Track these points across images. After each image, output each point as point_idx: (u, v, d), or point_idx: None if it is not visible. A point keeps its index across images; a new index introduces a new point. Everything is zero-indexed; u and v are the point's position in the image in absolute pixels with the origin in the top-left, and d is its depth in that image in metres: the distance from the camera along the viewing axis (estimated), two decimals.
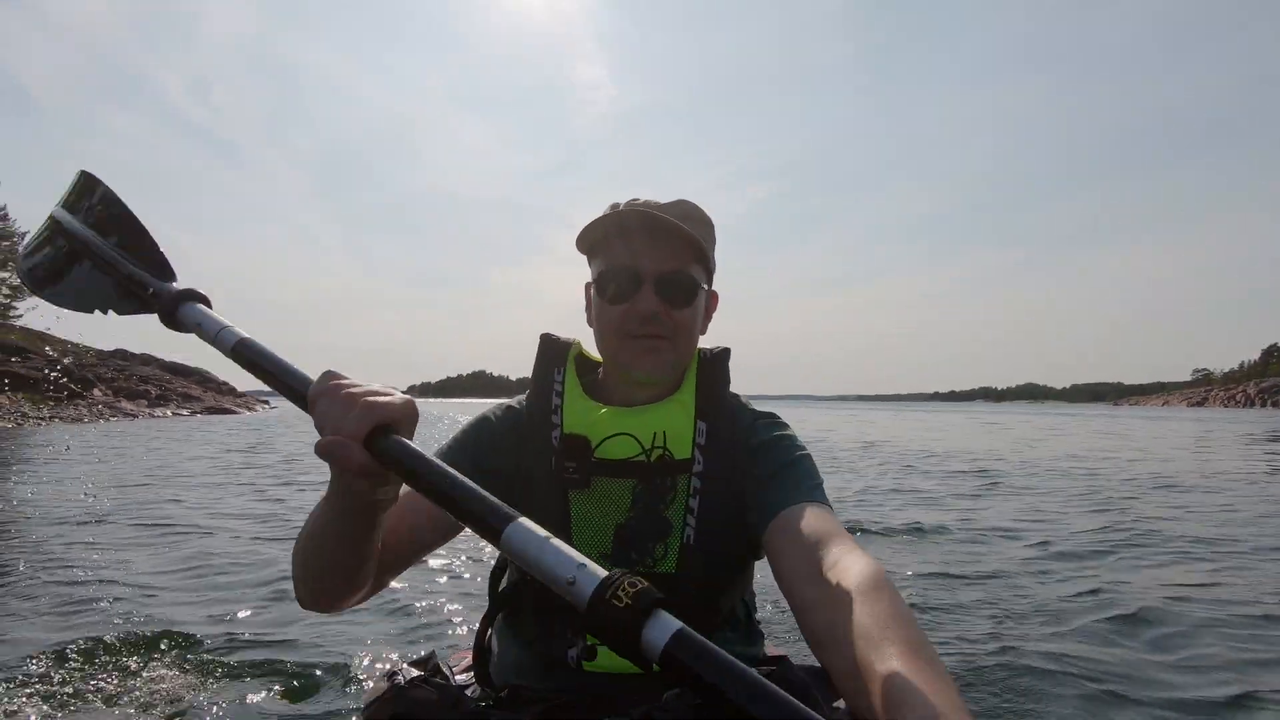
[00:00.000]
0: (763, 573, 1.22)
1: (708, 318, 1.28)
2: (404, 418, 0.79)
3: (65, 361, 34.34)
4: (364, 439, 0.75)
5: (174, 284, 1.01)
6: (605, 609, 0.62)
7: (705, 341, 1.31)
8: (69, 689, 2.55)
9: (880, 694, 0.68)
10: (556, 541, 0.68)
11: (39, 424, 24.15)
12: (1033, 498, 7.90)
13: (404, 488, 0.92)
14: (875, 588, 0.82)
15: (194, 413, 36.01)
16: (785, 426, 1.23)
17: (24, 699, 2.49)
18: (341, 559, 0.92)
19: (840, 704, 0.94)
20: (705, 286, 1.21)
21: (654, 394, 1.21)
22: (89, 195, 1.10)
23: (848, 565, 0.87)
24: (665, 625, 0.61)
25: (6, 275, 45.65)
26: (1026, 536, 5.59)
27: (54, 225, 1.09)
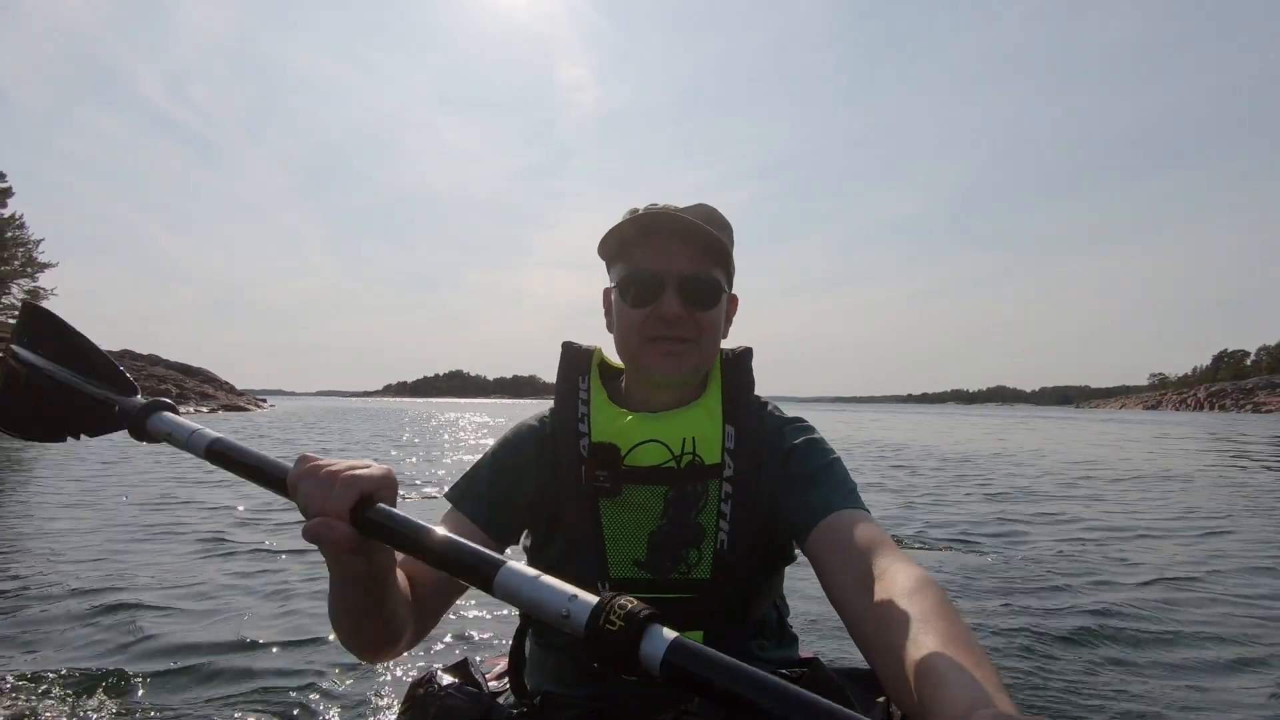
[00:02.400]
0: (792, 577, 1.26)
1: (728, 321, 1.25)
2: (384, 486, 0.80)
3: None
4: (348, 515, 0.76)
5: (138, 398, 1.04)
6: (601, 636, 0.63)
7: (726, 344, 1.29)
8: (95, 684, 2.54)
9: (918, 680, 0.70)
10: (546, 579, 0.69)
11: None
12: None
13: None
14: (919, 588, 0.83)
15: (212, 410, 39.73)
16: (814, 430, 1.22)
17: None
18: (365, 625, 0.93)
19: (880, 700, 0.96)
20: (727, 289, 1.19)
21: (677, 398, 1.20)
22: (39, 326, 1.11)
23: (895, 572, 0.88)
24: (660, 639, 0.62)
25: (24, 282, 48.92)
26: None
27: (14, 362, 1.09)
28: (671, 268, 1.13)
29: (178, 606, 3.55)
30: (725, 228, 1.20)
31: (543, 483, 1.19)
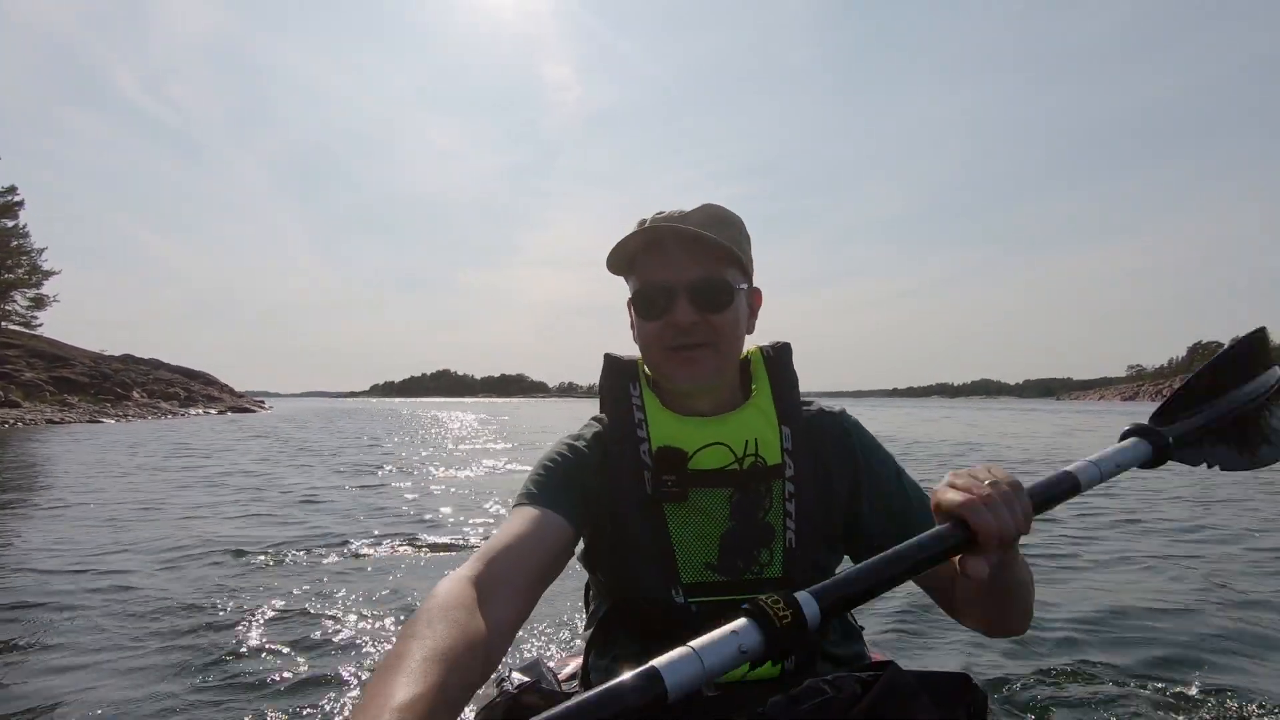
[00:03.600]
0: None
1: (753, 315, 1.26)
2: None
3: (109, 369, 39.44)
4: None
5: None
6: (781, 634, 0.69)
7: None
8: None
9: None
10: (700, 643, 0.68)
11: (121, 420, 29.64)
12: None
13: (523, 520, 1.05)
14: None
15: (221, 411, 41.41)
16: (865, 430, 1.27)
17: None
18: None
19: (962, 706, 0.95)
20: (743, 286, 1.20)
21: (719, 399, 1.22)
22: None
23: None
24: (806, 601, 0.73)
25: (29, 290, 50.21)
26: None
27: None
28: (679, 276, 1.15)
29: (240, 593, 3.84)
30: (732, 225, 1.21)
31: (604, 488, 1.19)
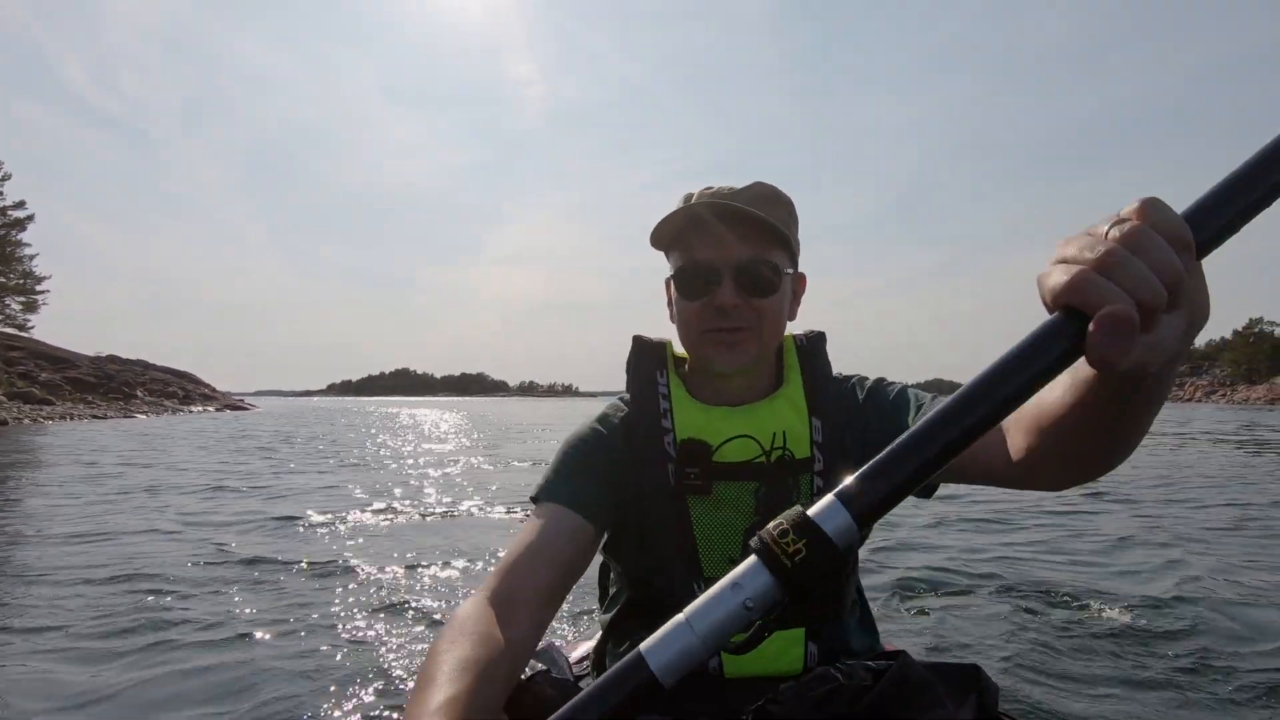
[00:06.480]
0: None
1: (796, 301, 1.23)
2: None
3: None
4: None
5: None
6: (797, 573, 0.50)
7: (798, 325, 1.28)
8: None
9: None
10: (694, 607, 0.53)
11: (149, 415, 33.89)
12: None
13: (537, 532, 1.03)
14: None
15: (219, 409, 45.55)
16: (869, 378, 1.24)
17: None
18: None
19: (973, 695, 0.91)
20: (789, 270, 1.17)
21: (747, 385, 1.19)
22: None
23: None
24: (832, 511, 0.51)
25: (25, 295, 53.42)
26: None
27: None
28: (725, 256, 1.11)
29: (268, 582, 4.00)
30: (783, 205, 1.17)
31: (627, 476, 1.16)
